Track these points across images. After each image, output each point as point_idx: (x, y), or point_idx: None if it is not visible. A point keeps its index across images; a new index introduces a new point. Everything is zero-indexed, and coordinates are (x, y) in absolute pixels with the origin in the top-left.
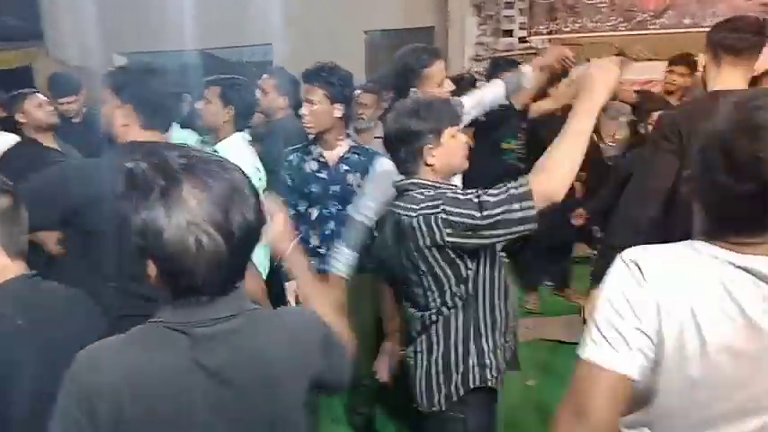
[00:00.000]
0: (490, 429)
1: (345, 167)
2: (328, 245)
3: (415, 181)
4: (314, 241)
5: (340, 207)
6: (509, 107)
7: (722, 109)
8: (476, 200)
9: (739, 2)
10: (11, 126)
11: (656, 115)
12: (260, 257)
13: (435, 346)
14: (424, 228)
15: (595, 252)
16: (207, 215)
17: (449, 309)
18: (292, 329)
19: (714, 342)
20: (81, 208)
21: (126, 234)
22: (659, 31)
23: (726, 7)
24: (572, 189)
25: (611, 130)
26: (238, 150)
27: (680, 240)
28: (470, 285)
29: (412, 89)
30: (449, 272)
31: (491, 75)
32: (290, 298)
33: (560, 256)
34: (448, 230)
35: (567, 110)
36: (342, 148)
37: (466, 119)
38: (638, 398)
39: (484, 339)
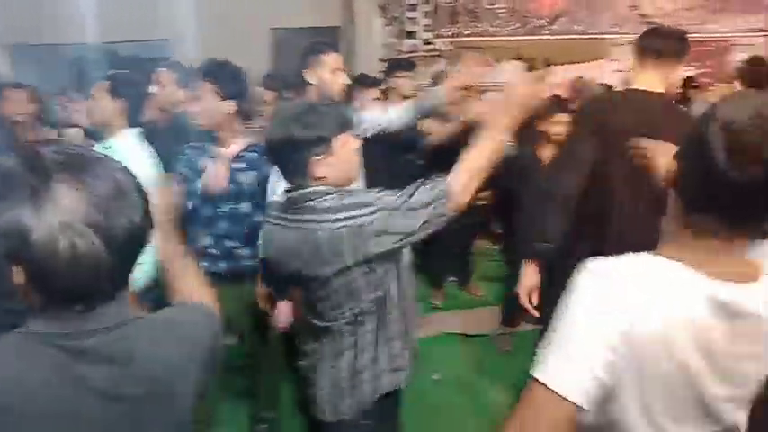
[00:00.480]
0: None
1: (239, 165)
2: (220, 245)
3: (318, 189)
4: (206, 241)
5: (233, 206)
6: (414, 128)
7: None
8: (404, 204)
9: (624, 12)
10: None
11: (559, 115)
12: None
13: (344, 353)
14: (349, 242)
15: (496, 247)
16: (83, 216)
17: (359, 315)
18: (181, 332)
19: (675, 370)
20: None
21: None
22: (553, 37)
23: (611, 16)
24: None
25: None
26: (130, 147)
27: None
28: (381, 289)
29: (304, 71)
30: (364, 281)
31: (389, 75)
32: None
33: (462, 252)
34: (379, 240)
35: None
36: (237, 145)
37: (370, 131)
38: (589, 426)
39: (393, 342)
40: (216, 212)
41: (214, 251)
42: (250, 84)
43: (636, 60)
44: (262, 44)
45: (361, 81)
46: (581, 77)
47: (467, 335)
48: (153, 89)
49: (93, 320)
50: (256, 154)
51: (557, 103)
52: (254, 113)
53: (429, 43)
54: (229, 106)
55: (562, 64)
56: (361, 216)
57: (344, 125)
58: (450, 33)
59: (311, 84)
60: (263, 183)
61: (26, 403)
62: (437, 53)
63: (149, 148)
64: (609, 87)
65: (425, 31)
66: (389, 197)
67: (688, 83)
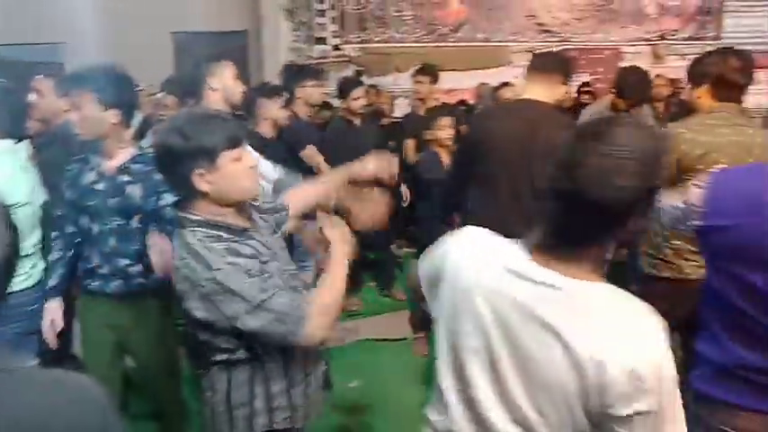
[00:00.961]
0: None
1: (125, 178)
2: (109, 263)
3: (192, 217)
4: (94, 260)
5: (120, 222)
6: None
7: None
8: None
9: (522, 22)
10: None
11: (443, 120)
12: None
13: (217, 386)
14: (182, 285)
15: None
16: None
17: (229, 352)
18: (67, 396)
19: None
20: None
21: None
22: (456, 44)
23: (511, 26)
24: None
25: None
26: None
27: None
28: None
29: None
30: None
31: (286, 82)
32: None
33: (381, 256)
34: (200, 304)
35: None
36: (123, 156)
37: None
38: None
39: (272, 382)
40: (102, 229)
41: (104, 270)
42: (151, 88)
43: (528, 76)
44: (163, 48)
45: (262, 90)
46: (484, 83)
47: (387, 340)
48: (32, 98)
49: None
50: (143, 164)
51: (441, 110)
52: (155, 119)
53: (338, 49)
54: (113, 115)
55: (467, 70)
56: (195, 270)
57: (234, 140)
58: (359, 39)
59: (214, 89)
60: (151, 195)
61: None
62: (347, 59)
63: (25, 161)
64: (506, 84)
65: (334, 36)
66: (250, 287)
67: (583, 88)
